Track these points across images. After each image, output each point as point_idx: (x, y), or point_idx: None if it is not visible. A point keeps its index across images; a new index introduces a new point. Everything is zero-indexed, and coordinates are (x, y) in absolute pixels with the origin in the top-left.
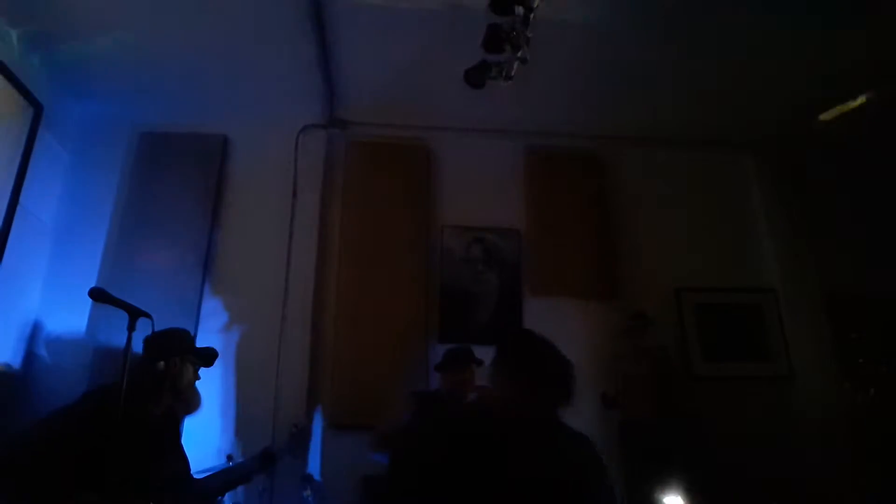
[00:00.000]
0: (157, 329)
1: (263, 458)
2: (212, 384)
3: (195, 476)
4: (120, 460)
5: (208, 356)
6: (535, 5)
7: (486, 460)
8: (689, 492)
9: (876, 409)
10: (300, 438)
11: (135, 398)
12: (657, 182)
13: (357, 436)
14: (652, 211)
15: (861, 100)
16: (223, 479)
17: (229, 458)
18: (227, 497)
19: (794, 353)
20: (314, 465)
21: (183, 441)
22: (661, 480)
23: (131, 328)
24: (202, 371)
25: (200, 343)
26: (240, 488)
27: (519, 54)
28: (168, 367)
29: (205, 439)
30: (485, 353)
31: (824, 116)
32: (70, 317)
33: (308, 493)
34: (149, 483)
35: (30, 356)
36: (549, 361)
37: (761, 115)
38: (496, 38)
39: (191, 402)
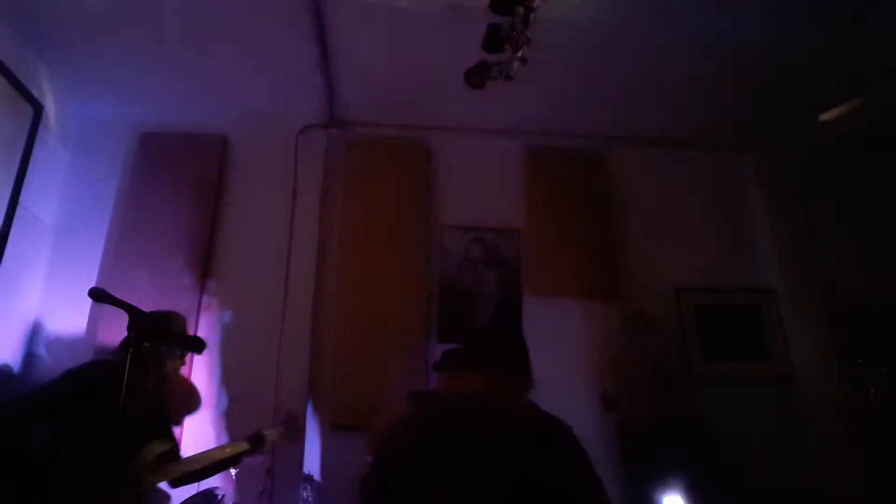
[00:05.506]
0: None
1: (254, 440)
2: (212, 384)
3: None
4: (105, 437)
5: (197, 344)
6: (535, 5)
7: (471, 455)
8: (690, 492)
9: (876, 409)
10: (292, 427)
11: (120, 375)
12: (657, 182)
13: (357, 436)
14: (652, 211)
15: (861, 100)
16: (212, 459)
17: None
18: (226, 497)
19: (794, 353)
20: (314, 465)
21: (183, 439)
22: (661, 480)
23: (131, 328)
24: (202, 371)
25: None
26: (239, 488)
27: (519, 54)
28: (153, 348)
29: (205, 439)
30: None
31: (824, 116)
32: (70, 317)
33: (308, 493)
34: (136, 460)
35: (30, 356)
36: (503, 351)
37: (761, 115)
38: (496, 38)
39: (189, 396)
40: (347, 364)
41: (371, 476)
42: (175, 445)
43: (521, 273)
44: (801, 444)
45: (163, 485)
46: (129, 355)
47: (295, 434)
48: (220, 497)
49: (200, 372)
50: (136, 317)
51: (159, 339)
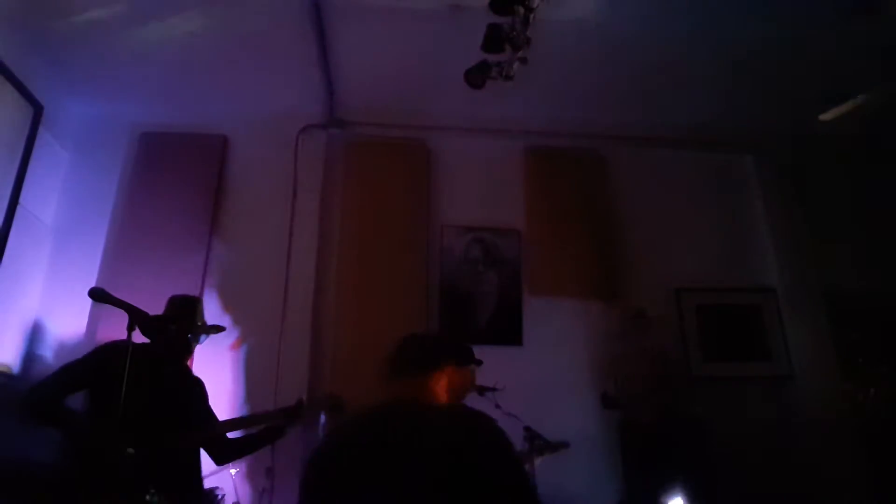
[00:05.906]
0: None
1: (291, 410)
2: (212, 384)
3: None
4: (134, 411)
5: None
6: (535, 5)
7: (398, 455)
8: (689, 492)
9: (876, 409)
10: (337, 405)
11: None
12: (657, 182)
13: None
14: (652, 211)
15: (861, 99)
16: (247, 425)
17: None
18: (226, 497)
19: (794, 353)
20: None
21: None
22: (661, 480)
23: (131, 328)
24: (202, 371)
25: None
26: (239, 488)
27: (519, 54)
28: (183, 329)
29: None
30: (485, 354)
31: (824, 116)
32: (70, 317)
33: None
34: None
35: (30, 356)
36: (426, 356)
37: (761, 115)
38: (496, 38)
39: None
40: (347, 364)
41: (305, 475)
42: (213, 420)
43: (521, 273)
44: (801, 444)
45: (208, 460)
46: (130, 338)
47: (342, 410)
48: (220, 497)
49: (200, 372)
50: (136, 316)
51: (189, 321)
